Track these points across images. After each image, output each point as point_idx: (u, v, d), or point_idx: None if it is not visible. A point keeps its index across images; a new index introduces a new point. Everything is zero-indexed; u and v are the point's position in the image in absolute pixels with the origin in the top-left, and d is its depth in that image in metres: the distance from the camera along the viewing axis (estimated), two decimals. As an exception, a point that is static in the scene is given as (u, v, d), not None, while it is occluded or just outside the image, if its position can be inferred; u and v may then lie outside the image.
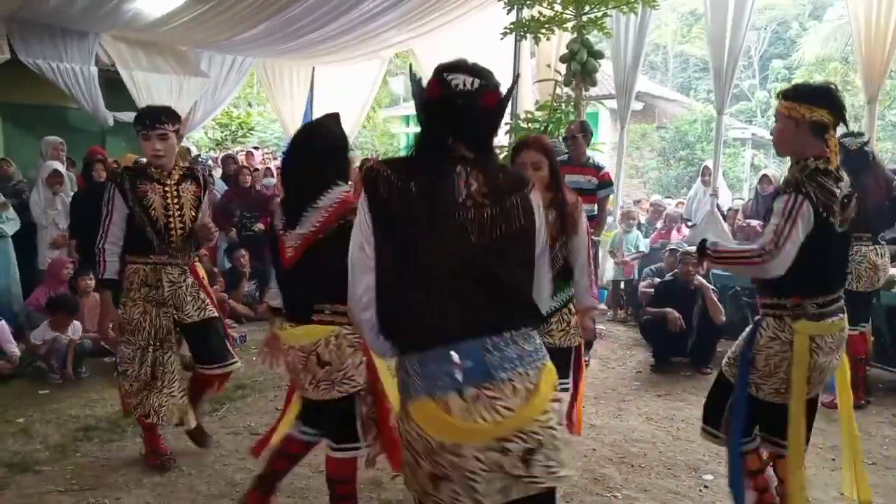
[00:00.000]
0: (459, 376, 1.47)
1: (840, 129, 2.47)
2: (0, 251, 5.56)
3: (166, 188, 3.20)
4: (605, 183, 5.18)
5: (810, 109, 2.30)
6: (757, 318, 2.54)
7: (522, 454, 1.50)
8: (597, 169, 5.17)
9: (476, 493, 1.49)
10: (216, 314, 3.38)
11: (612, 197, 6.06)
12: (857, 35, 5.70)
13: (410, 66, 2.32)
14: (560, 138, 5.40)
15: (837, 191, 2.31)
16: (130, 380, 3.22)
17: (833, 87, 2.40)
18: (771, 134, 2.58)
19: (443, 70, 1.63)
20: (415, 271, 1.53)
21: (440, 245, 1.53)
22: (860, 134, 4.45)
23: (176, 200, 3.20)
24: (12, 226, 5.63)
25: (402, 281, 1.54)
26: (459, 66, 1.64)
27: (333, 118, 2.43)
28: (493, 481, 1.49)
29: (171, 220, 3.18)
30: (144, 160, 3.58)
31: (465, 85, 1.59)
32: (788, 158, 2.45)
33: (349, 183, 2.38)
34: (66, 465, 3.41)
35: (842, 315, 2.46)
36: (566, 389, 2.92)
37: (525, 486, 1.52)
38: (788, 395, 2.38)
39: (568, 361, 2.99)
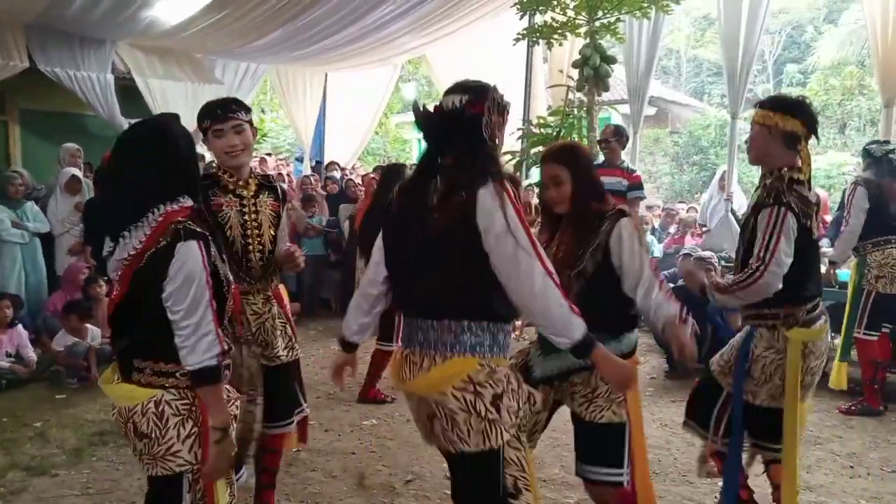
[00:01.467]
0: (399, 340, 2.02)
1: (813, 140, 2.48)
2: (29, 251, 5.64)
3: (244, 201, 2.57)
4: (635, 185, 5.24)
5: (784, 119, 2.35)
6: (746, 328, 2.56)
7: (427, 415, 1.87)
8: (628, 171, 5.25)
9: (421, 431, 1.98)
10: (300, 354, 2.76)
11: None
12: (874, 38, 5.65)
13: (415, 101, 2.10)
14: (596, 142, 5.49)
15: (812, 199, 2.39)
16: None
17: (807, 99, 2.47)
18: (745, 143, 2.60)
19: (444, 93, 1.91)
20: (393, 262, 1.96)
21: (407, 242, 1.88)
22: (886, 142, 4.68)
23: (254, 217, 2.57)
24: (41, 226, 5.72)
25: (390, 269, 1.97)
26: (455, 87, 1.89)
27: (175, 118, 1.93)
28: (420, 427, 1.96)
29: (250, 241, 2.56)
30: (212, 164, 3.13)
31: (452, 104, 1.84)
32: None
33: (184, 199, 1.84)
34: (82, 469, 3.44)
35: (825, 318, 2.52)
36: (612, 483, 2.22)
37: (432, 441, 1.92)
38: (782, 399, 2.43)
39: (602, 442, 2.22)
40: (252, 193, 2.60)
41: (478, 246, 1.75)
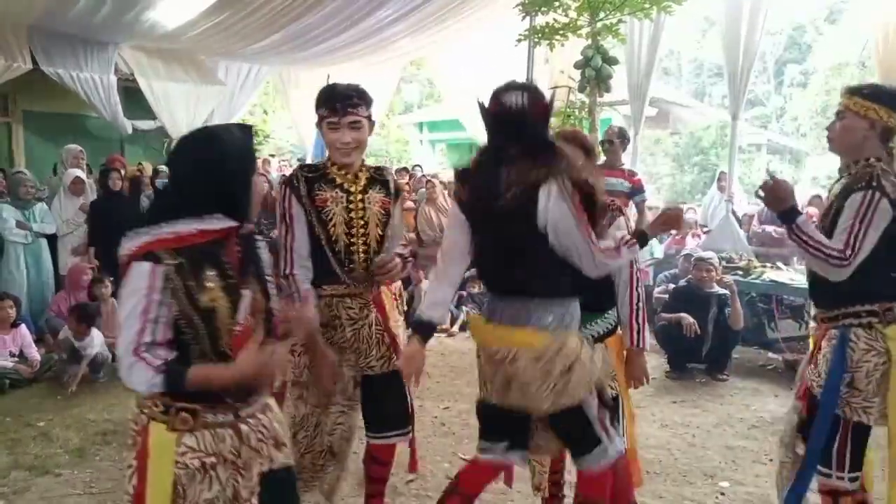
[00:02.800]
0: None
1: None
2: (33, 251, 5.67)
3: (350, 196, 2.38)
4: (639, 189, 5.27)
5: (889, 113, 2.21)
6: (834, 333, 2.27)
7: (504, 380, 2.09)
8: (629, 173, 5.28)
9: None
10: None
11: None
12: (874, 39, 5.66)
13: (479, 102, 2.11)
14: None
15: None
16: (301, 448, 2.43)
17: None
18: (827, 130, 2.43)
19: (501, 92, 2.09)
20: (477, 246, 2.16)
21: (486, 228, 2.10)
22: None
23: (361, 214, 2.38)
24: (47, 227, 5.76)
25: (477, 254, 2.18)
26: (513, 86, 2.09)
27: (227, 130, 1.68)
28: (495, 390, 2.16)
29: (354, 240, 2.37)
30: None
31: (516, 102, 2.04)
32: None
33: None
34: (85, 468, 3.46)
35: None
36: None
37: (506, 401, 2.12)
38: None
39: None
40: (360, 188, 2.41)
41: (528, 231, 2.00)
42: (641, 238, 2.19)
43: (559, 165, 1.99)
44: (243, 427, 1.64)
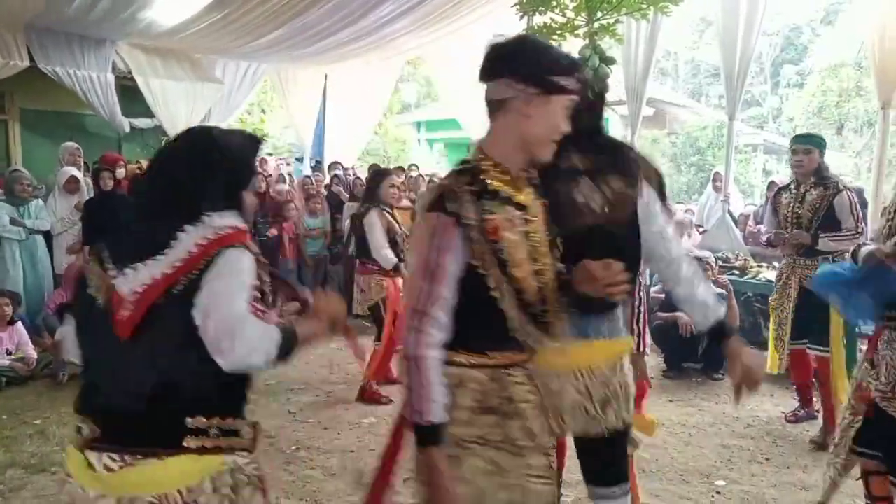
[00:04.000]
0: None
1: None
2: (28, 248, 5.66)
3: (527, 213, 1.59)
4: None
5: None
6: (886, 333, 2.29)
7: (600, 398, 1.90)
8: None
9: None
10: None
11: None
12: (871, 40, 5.67)
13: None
14: None
15: None
16: None
17: None
18: None
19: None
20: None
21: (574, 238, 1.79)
22: None
23: (536, 236, 1.60)
24: (42, 224, 5.75)
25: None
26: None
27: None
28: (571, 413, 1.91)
29: (543, 278, 1.60)
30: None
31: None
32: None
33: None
34: (82, 466, 3.45)
35: None
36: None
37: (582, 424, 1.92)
38: None
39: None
40: (530, 196, 1.63)
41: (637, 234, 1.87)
42: None
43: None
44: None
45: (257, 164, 1.74)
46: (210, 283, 1.35)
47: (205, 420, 1.37)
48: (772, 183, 6.68)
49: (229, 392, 1.43)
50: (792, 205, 3.90)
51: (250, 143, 1.62)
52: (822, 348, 3.78)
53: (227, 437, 1.41)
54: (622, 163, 1.89)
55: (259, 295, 1.43)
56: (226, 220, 1.45)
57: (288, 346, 1.40)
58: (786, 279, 3.97)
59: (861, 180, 10.78)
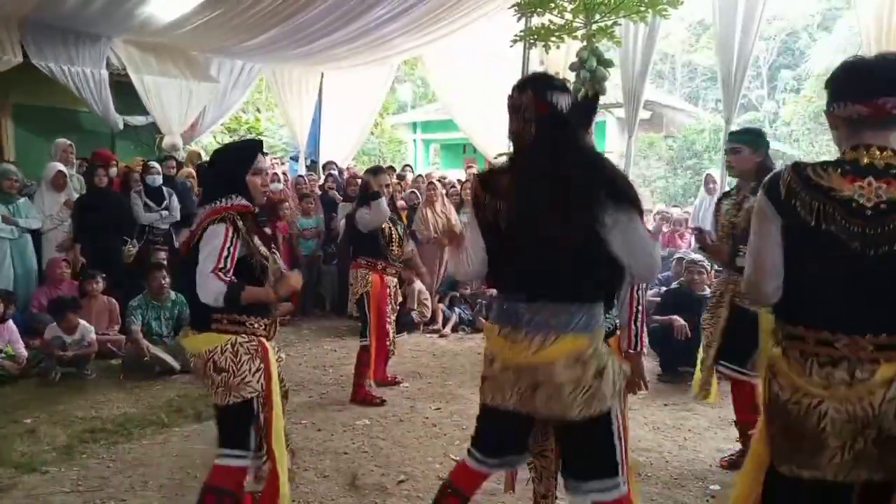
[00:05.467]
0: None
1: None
2: (18, 246, 5.60)
3: None
4: None
5: None
6: None
7: (529, 385, 1.97)
8: None
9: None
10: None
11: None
12: (867, 46, 5.68)
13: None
14: None
15: None
16: None
17: None
18: None
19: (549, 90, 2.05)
20: (503, 249, 2.08)
21: (522, 230, 2.00)
22: None
23: None
24: (33, 222, 5.70)
25: (503, 257, 2.10)
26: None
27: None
28: (515, 396, 2.01)
29: None
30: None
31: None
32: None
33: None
34: (72, 465, 3.42)
35: None
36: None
37: (527, 407, 2.00)
38: None
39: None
40: None
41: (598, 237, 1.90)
42: None
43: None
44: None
45: (266, 160, 2.56)
46: (201, 245, 2.29)
47: (219, 315, 2.32)
48: (708, 176, 6.66)
49: (232, 302, 2.26)
50: (729, 213, 3.35)
51: (248, 144, 2.57)
52: (741, 369, 3.31)
53: (233, 325, 2.33)
54: None
55: (231, 256, 2.27)
56: (224, 202, 2.34)
57: (232, 296, 2.23)
58: (719, 296, 3.47)
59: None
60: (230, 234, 2.25)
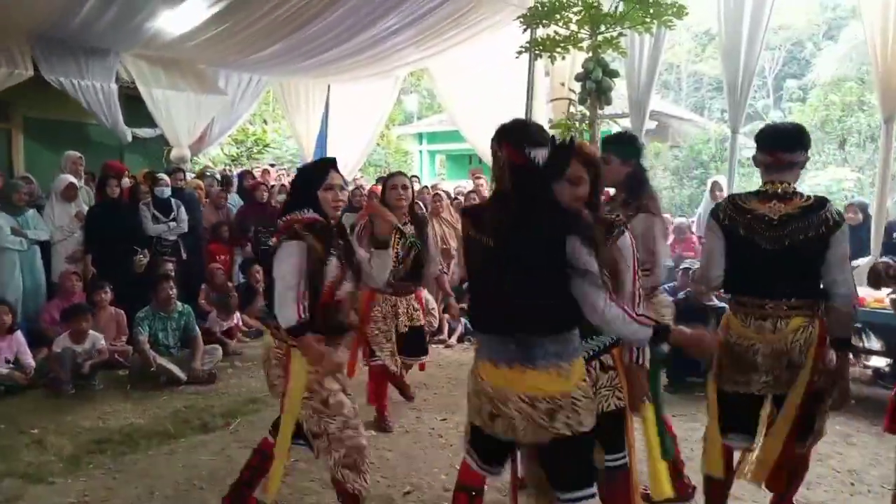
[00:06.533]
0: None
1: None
2: (27, 258, 5.62)
3: None
4: None
5: None
6: None
7: (507, 413, 2.04)
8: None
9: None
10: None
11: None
12: (874, 54, 5.67)
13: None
14: None
15: None
16: None
17: None
18: None
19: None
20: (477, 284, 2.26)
21: (488, 263, 2.14)
22: None
23: None
24: (42, 234, 5.73)
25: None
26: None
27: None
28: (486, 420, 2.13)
29: None
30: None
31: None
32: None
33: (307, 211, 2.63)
34: (79, 476, 3.43)
35: None
36: (620, 466, 2.43)
37: (507, 433, 2.09)
38: None
39: (607, 429, 2.32)
40: None
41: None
42: (661, 333, 2.10)
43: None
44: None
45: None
46: (275, 259, 2.57)
47: (269, 320, 2.66)
48: (715, 183, 6.67)
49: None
50: None
51: (321, 163, 2.81)
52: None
53: (273, 330, 2.66)
54: None
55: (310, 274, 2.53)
56: (296, 215, 2.61)
57: (296, 332, 2.51)
58: None
59: (864, 195, 10.76)
60: (299, 252, 2.50)
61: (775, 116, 21.19)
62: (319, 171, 2.69)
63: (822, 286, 2.57)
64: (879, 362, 5.26)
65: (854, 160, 13.94)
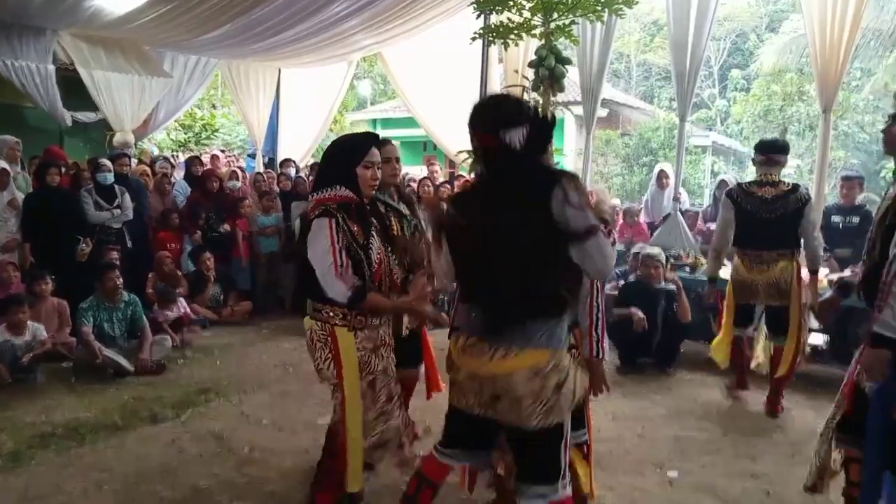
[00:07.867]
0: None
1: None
2: None
3: None
4: None
5: None
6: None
7: (490, 396, 2.03)
8: None
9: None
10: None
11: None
12: (813, 46, 5.87)
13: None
14: None
15: None
16: None
17: None
18: (882, 133, 2.61)
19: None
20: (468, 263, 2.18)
21: (480, 243, 2.09)
22: None
23: None
24: None
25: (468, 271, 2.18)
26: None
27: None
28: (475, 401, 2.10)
29: None
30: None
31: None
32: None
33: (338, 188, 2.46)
34: (20, 473, 3.30)
35: None
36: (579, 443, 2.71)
37: (488, 413, 2.07)
38: None
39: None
40: None
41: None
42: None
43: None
44: (383, 327, 2.59)
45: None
46: (309, 238, 2.39)
47: (309, 301, 2.52)
48: (722, 182, 6.87)
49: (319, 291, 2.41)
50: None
51: (363, 137, 2.58)
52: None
53: (314, 312, 2.51)
54: None
55: (347, 246, 2.38)
56: (327, 193, 2.44)
57: (356, 300, 2.37)
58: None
59: (803, 181, 11.19)
60: (334, 229, 2.34)
61: (721, 105, 21.81)
62: (361, 144, 2.48)
63: (798, 240, 4.09)
64: (817, 340, 5.50)
65: (794, 148, 14.47)
